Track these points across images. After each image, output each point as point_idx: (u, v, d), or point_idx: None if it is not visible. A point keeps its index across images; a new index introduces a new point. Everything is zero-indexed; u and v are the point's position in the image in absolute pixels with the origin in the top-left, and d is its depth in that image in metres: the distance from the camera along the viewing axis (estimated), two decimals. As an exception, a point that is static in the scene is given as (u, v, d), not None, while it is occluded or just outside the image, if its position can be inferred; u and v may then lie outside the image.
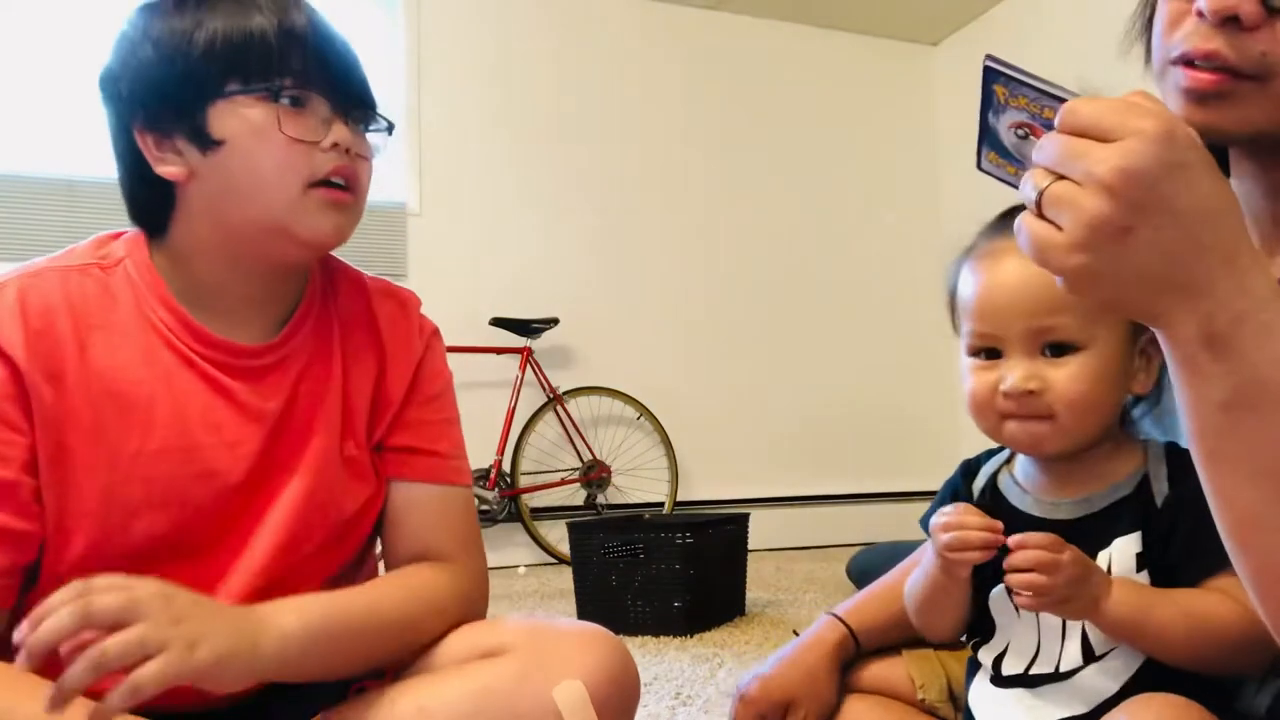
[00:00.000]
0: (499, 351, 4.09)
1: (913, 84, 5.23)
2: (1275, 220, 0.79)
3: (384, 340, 0.96)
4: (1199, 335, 0.53)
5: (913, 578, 0.90)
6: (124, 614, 0.66)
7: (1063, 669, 0.81)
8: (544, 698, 0.82)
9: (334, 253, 0.95)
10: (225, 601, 0.83)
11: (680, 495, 4.32)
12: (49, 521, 0.81)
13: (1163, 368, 0.81)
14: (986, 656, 0.86)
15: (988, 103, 0.59)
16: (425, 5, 4.35)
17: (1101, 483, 0.83)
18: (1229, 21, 0.67)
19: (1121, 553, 0.80)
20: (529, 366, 4.15)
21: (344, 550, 0.95)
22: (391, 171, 4.25)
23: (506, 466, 4.09)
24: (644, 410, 4.31)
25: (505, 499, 4.04)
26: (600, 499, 4.26)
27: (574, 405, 4.24)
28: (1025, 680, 0.82)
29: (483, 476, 4.01)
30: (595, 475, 4.23)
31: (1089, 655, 0.80)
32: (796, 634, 1.03)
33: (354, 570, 0.98)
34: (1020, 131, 0.56)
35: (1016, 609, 0.84)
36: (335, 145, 0.85)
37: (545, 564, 4.11)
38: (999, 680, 0.85)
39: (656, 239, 4.63)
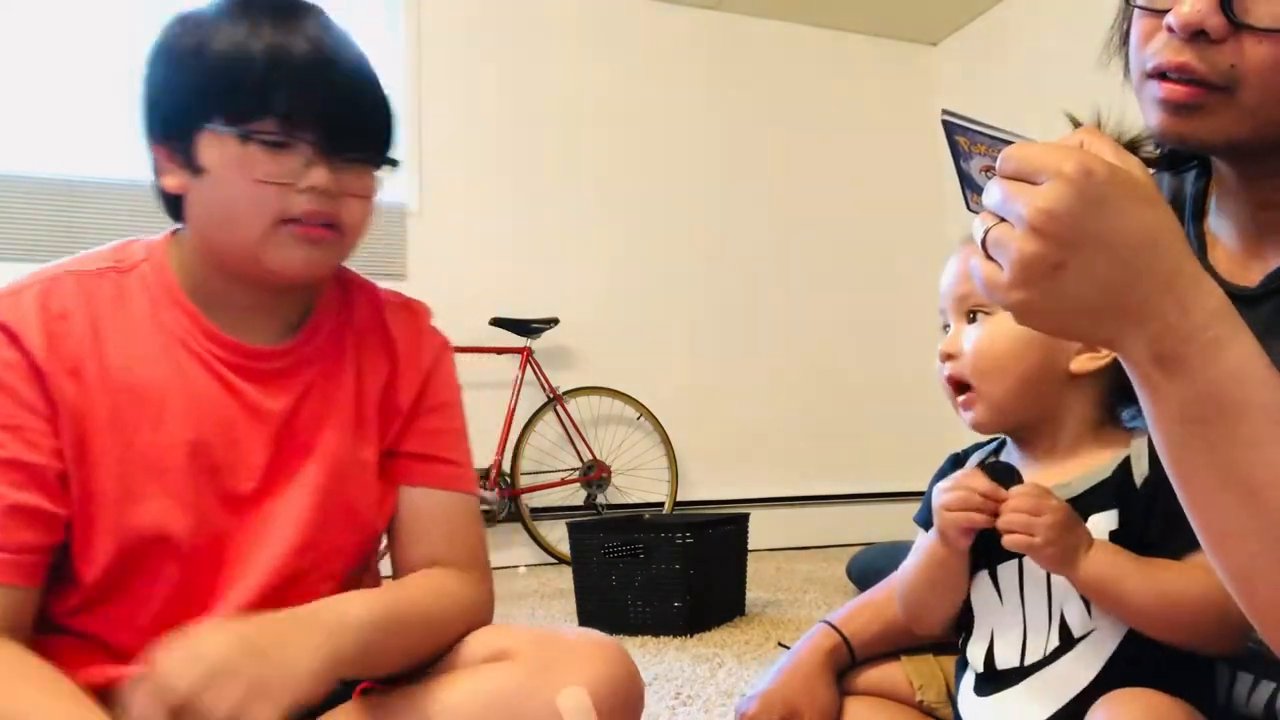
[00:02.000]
0: (499, 351, 4.09)
1: (913, 84, 5.23)
2: (1259, 226, 0.81)
3: (397, 349, 0.99)
4: (1150, 356, 0.56)
5: (904, 565, 0.91)
6: (205, 696, 0.67)
7: (1048, 652, 0.81)
8: (548, 704, 0.83)
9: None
10: (242, 597, 0.88)
11: (680, 495, 4.32)
12: (74, 505, 0.85)
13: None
14: (976, 651, 0.86)
15: (956, 152, 0.63)
16: (425, 5, 4.36)
17: (1080, 470, 0.85)
18: (1197, 35, 0.69)
19: (1095, 529, 0.81)
20: (529, 366, 4.15)
21: (358, 553, 0.97)
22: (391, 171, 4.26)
23: (506, 466, 4.09)
24: (644, 410, 4.31)
25: (505, 499, 4.04)
26: (600, 499, 4.26)
27: (574, 405, 4.24)
28: (1020, 674, 0.83)
29: (483, 476, 4.01)
30: (595, 475, 4.23)
31: (1067, 639, 0.81)
32: (784, 646, 1.04)
33: (360, 573, 1.00)
34: (988, 175, 0.60)
35: (1000, 594, 0.85)
36: (312, 188, 0.85)
37: (545, 564, 4.11)
38: (985, 682, 0.85)
39: (656, 239, 4.63)
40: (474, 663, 0.89)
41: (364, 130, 0.89)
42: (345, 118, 0.87)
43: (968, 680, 0.88)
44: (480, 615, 0.95)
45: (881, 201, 5.06)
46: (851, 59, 5.14)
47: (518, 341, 4.12)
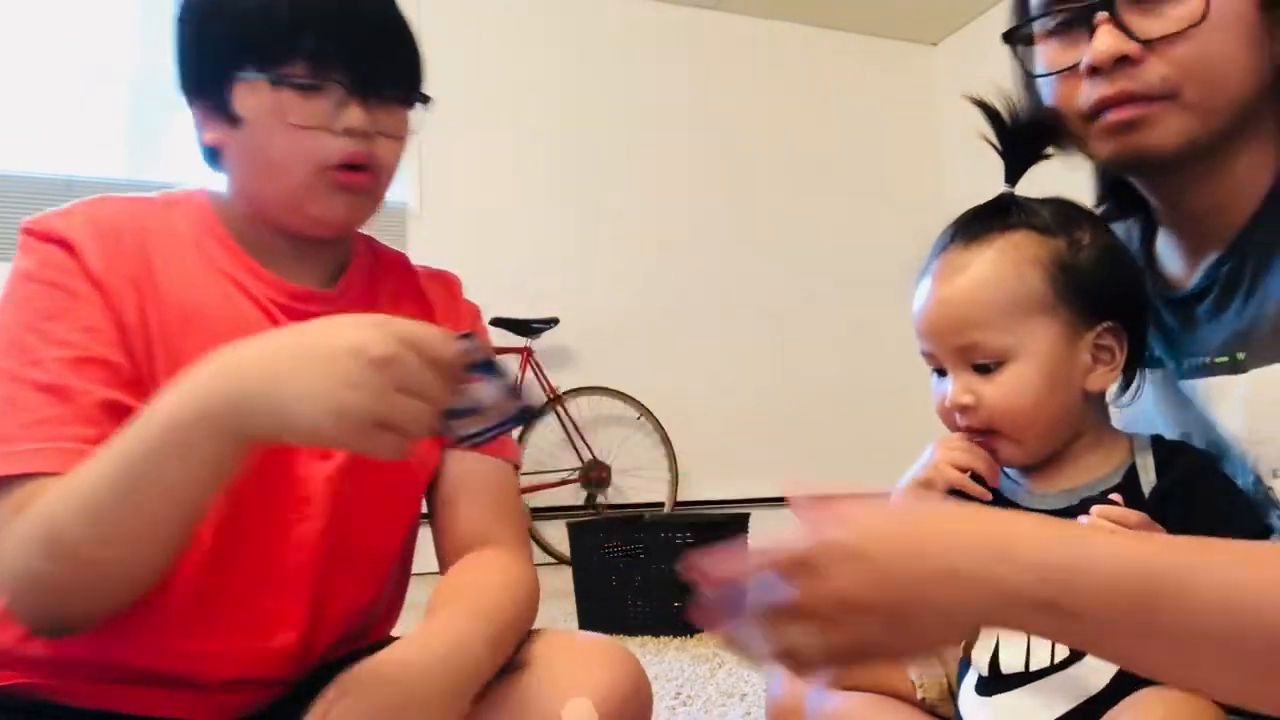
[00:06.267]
0: (499, 351, 4.09)
1: (913, 84, 5.23)
2: (1194, 239, 0.85)
3: (435, 316, 1.00)
4: (1001, 623, 0.58)
5: None
6: None
7: (1056, 661, 0.81)
8: (553, 714, 0.81)
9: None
10: (299, 550, 0.86)
11: (680, 495, 4.32)
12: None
13: (1131, 363, 0.84)
14: (981, 655, 0.86)
15: None
16: (425, 6, 4.35)
17: (1086, 475, 0.85)
18: (1121, 62, 0.74)
19: None
20: (529, 366, 4.15)
21: (404, 513, 0.96)
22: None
23: (506, 466, 4.08)
24: (644, 410, 4.31)
25: (505, 499, 4.03)
26: (600, 499, 4.26)
27: (574, 405, 4.24)
28: (1025, 678, 0.82)
29: (483, 476, 4.01)
30: (595, 475, 4.23)
31: (1077, 650, 0.80)
32: None
33: (410, 541, 1.00)
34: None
35: None
36: (348, 130, 0.85)
37: (545, 564, 4.11)
38: (989, 684, 0.85)
39: (657, 239, 4.63)
40: None
41: (392, 66, 0.88)
42: (373, 55, 0.86)
43: (970, 679, 0.88)
44: (536, 595, 0.93)
45: (881, 201, 5.06)
46: (851, 59, 5.14)
47: (518, 341, 4.12)
